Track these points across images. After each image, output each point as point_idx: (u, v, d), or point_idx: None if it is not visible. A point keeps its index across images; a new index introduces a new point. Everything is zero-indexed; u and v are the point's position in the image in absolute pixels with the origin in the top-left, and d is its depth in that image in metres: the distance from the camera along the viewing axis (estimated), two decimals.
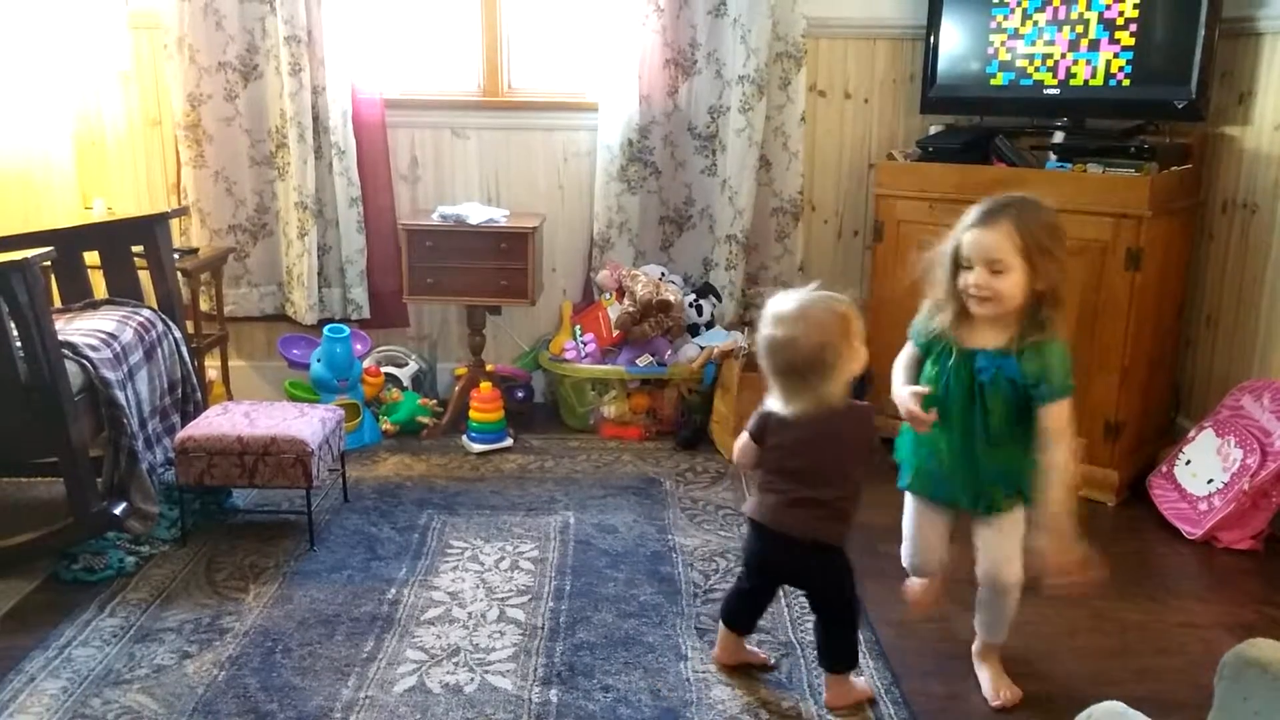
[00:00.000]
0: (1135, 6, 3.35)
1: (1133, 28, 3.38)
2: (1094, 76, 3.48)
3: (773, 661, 2.47)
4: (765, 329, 2.20)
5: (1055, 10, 3.52)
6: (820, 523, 2.25)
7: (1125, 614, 2.74)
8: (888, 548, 3.07)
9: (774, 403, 2.25)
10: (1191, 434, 3.39)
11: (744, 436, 2.33)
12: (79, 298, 3.33)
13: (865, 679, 2.41)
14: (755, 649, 2.49)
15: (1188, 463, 3.32)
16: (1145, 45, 3.38)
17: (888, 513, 3.34)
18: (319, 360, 3.81)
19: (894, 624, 2.66)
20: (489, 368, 4.06)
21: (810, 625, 2.62)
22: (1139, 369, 3.35)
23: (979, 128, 3.79)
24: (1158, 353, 3.50)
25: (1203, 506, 3.16)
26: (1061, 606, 2.76)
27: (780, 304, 2.21)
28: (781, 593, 2.78)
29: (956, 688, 2.40)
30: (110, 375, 2.88)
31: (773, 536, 2.29)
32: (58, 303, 3.33)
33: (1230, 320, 3.51)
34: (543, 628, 2.61)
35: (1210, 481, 3.18)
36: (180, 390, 3.33)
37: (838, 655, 2.34)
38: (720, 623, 2.46)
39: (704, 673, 2.42)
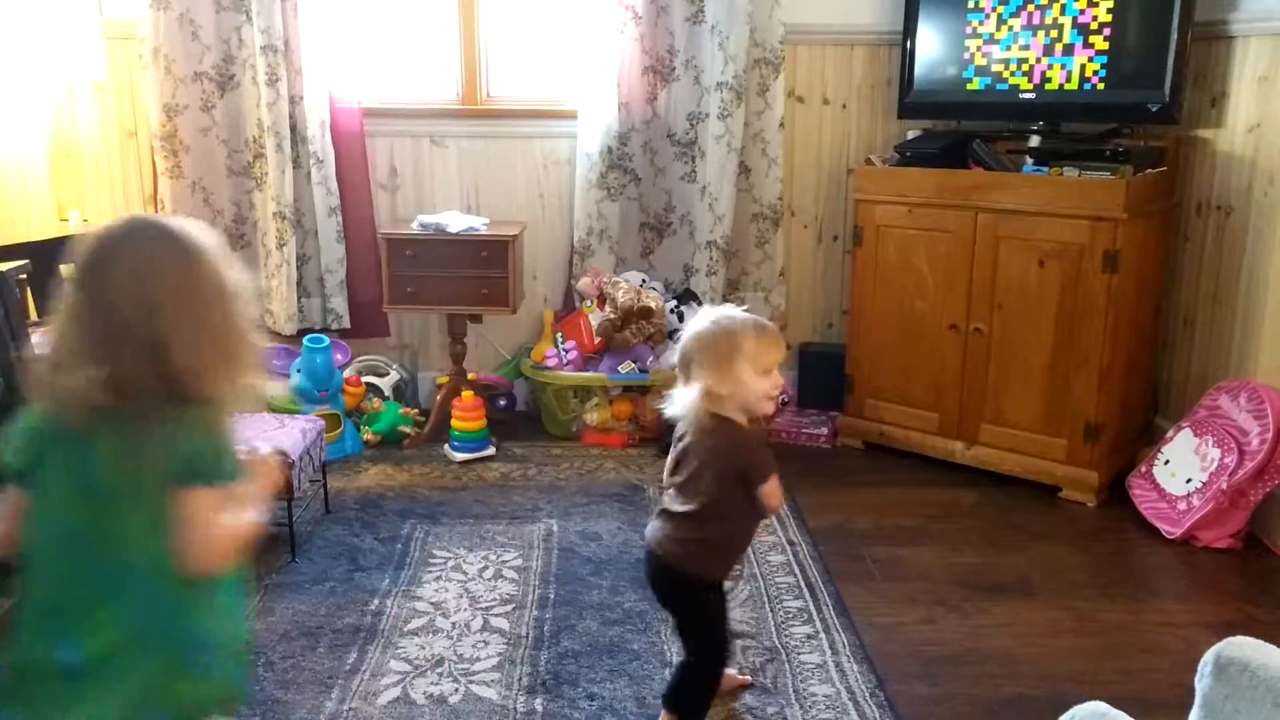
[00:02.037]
0: (1109, 11, 3.38)
1: (1106, 32, 3.40)
2: (1069, 81, 3.50)
3: (750, 680, 2.44)
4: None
5: (1030, 15, 3.54)
6: (683, 545, 2.10)
7: (1106, 614, 2.75)
8: (870, 551, 3.09)
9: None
10: (1170, 434, 3.42)
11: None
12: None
13: None
14: (732, 671, 2.40)
15: (1166, 463, 3.34)
16: (1119, 49, 3.40)
17: (871, 516, 3.36)
18: (299, 371, 3.79)
19: (879, 627, 2.66)
20: (471, 376, 4.06)
21: (795, 630, 2.63)
22: (1117, 370, 3.37)
23: (956, 132, 3.82)
24: (1136, 354, 3.53)
25: (1182, 506, 3.18)
26: (1043, 608, 2.78)
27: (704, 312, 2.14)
28: (767, 597, 2.78)
29: (942, 690, 2.40)
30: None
31: (649, 555, 2.18)
32: (34, 316, 3.30)
33: (1206, 321, 3.54)
34: (527, 636, 2.60)
35: (1189, 481, 3.20)
36: None
37: (680, 700, 2.19)
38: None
39: None
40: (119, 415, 1.41)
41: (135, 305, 1.43)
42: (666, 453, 3.82)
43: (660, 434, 3.92)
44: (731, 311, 2.12)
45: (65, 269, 1.54)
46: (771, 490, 2.07)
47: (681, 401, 2.09)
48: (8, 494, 1.50)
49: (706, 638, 2.16)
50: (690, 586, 2.13)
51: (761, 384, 2.05)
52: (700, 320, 2.11)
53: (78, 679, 1.42)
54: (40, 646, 1.45)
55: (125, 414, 1.41)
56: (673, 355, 3.84)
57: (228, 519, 1.47)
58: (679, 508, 2.11)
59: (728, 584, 2.31)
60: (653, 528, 2.17)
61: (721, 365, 2.03)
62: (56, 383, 1.43)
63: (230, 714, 1.56)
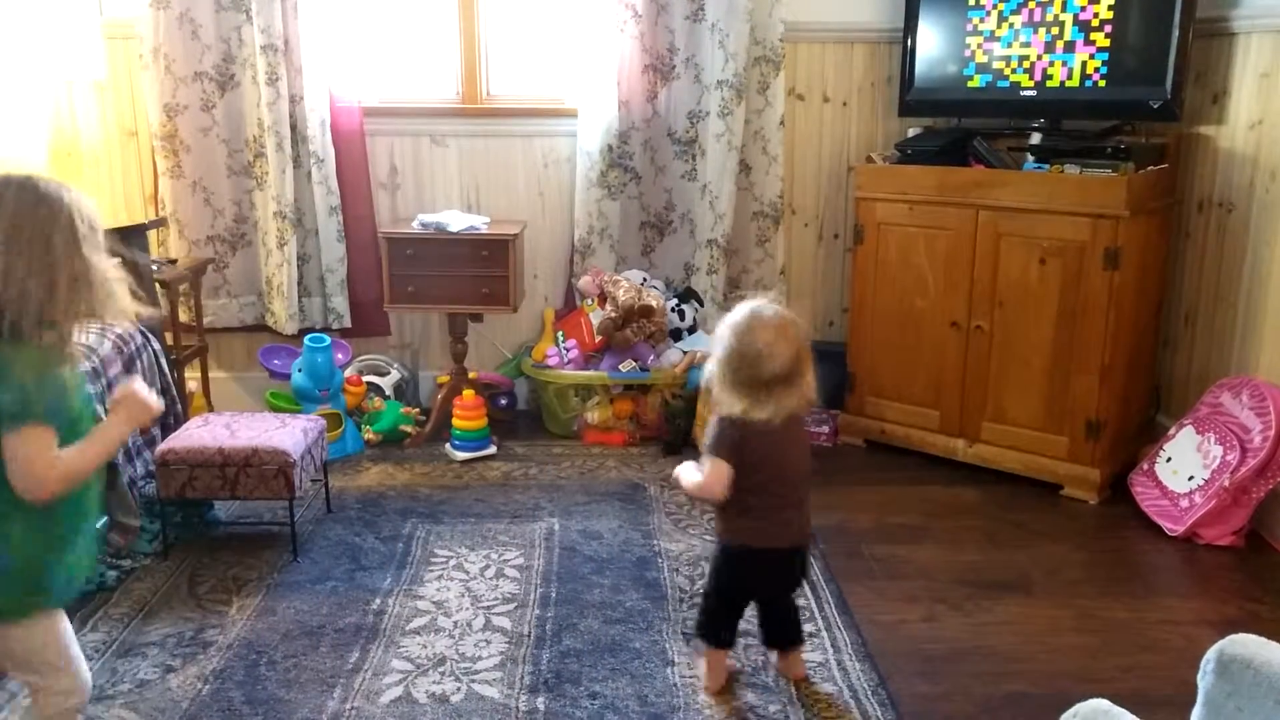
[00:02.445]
0: (1110, 8, 3.38)
1: (1108, 29, 3.40)
2: (1070, 78, 3.50)
3: (739, 665, 2.48)
4: (740, 340, 2.18)
5: (1031, 12, 3.54)
6: (808, 524, 2.34)
7: (1108, 611, 2.75)
8: (872, 549, 3.09)
9: (742, 412, 2.19)
10: (1172, 432, 3.41)
11: (719, 464, 2.21)
12: None
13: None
14: (730, 660, 2.48)
15: (1168, 460, 3.34)
16: (1120, 46, 3.40)
17: (871, 514, 3.36)
18: (300, 370, 3.79)
19: (880, 625, 2.66)
20: (471, 375, 4.06)
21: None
22: (1119, 368, 3.37)
23: (957, 130, 3.81)
24: (1137, 351, 3.53)
25: (1184, 503, 3.18)
26: (1044, 606, 2.77)
27: (752, 315, 2.20)
28: None
29: (943, 688, 2.40)
30: (89, 388, 2.86)
31: (777, 554, 2.30)
32: None
33: (1208, 318, 3.53)
34: (529, 635, 2.60)
35: (1191, 479, 3.20)
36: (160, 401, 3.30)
37: (798, 630, 2.47)
38: (707, 647, 2.41)
39: (691, 678, 2.41)
40: None
41: None
42: (669, 451, 3.85)
43: (661, 433, 3.93)
44: (775, 311, 2.24)
45: None
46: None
47: (784, 407, 2.21)
48: None
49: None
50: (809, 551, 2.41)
51: None
52: (774, 334, 2.19)
53: None
54: None
55: None
56: (674, 354, 3.88)
57: (50, 455, 1.66)
58: (800, 497, 2.32)
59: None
60: (793, 527, 2.31)
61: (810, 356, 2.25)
62: None
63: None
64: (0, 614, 1.79)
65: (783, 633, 2.45)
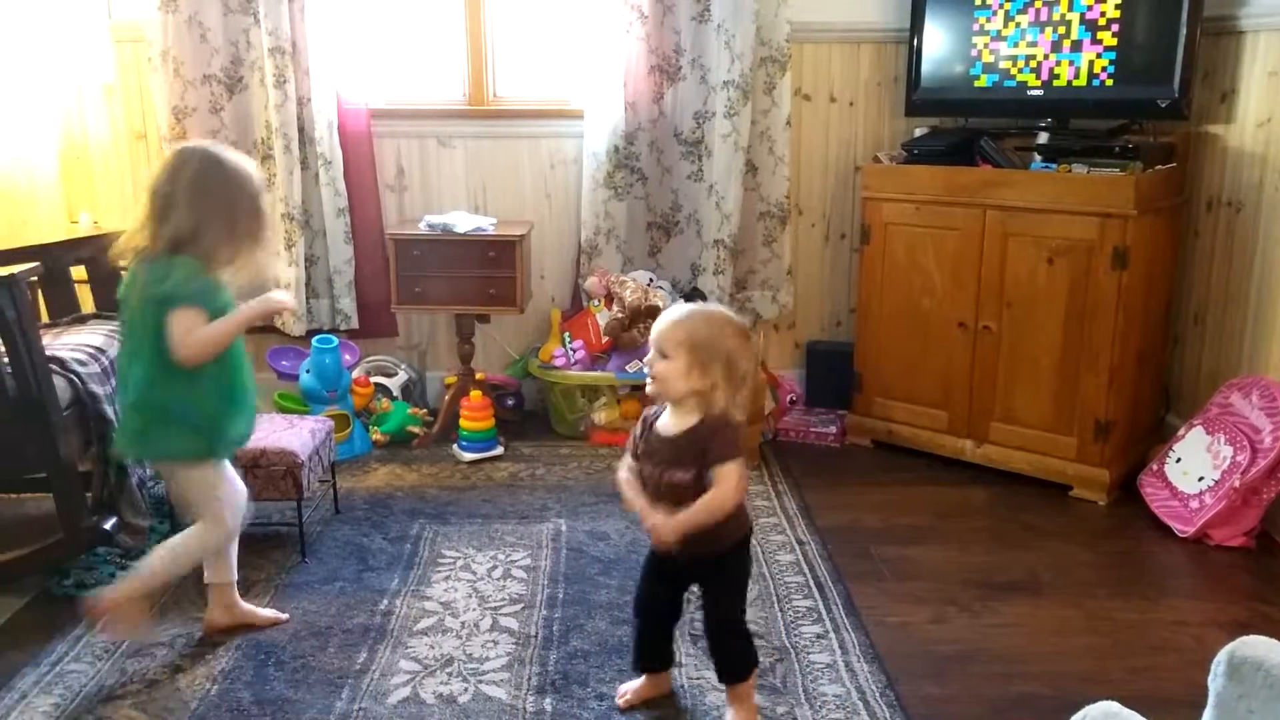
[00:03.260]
0: (1117, 7, 3.37)
1: (1115, 28, 3.39)
2: (1077, 77, 3.49)
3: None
4: (738, 338, 2.15)
5: (1037, 11, 3.53)
6: None
7: (1118, 613, 2.74)
8: (879, 550, 3.09)
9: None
10: (1181, 432, 3.40)
11: (742, 465, 2.13)
12: (66, 312, 3.31)
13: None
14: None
15: (1178, 461, 3.33)
16: (1127, 45, 3.39)
17: (879, 515, 3.36)
18: (308, 371, 3.80)
19: (888, 626, 2.66)
20: (479, 376, 4.06)
21: (804, 629, 2.63)
22: (1127, 368, 3.36)
23: (964, 129, 3.81)
24: (1146, 351, 3.52)
25: (1194, 504, 3.17)
26: (1053, 607, 2.77)
27: (725, 316, 2.18)
28: (776, 597, 2.78)
29: (952, 689, 2.40)
30: (98, 389, 2.87)
31: None
32: (45, 318, 3.31)
33: (1218, 317, 3.52)
34: (536, 636, 2.60)
35: (1201, 479, 3.19)
36: None
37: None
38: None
39: (698, 679, 2.41)
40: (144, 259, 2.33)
41: (163, 194, 2.31)
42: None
43: None
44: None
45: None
46: None
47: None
48: None
49: None
50: None
51: None
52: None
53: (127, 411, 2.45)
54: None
55: (145, 259, 2.33)
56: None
57: (194, 328, 2.28)
58: None
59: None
60: None
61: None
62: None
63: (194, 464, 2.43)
64: (182, 457, 2.41)
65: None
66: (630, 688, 2.35)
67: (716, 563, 2.21)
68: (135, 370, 2.35)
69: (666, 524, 2.09)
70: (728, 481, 2.08)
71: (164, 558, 2.44)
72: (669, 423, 2.17)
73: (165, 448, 2.43)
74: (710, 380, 2.10)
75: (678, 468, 2.12)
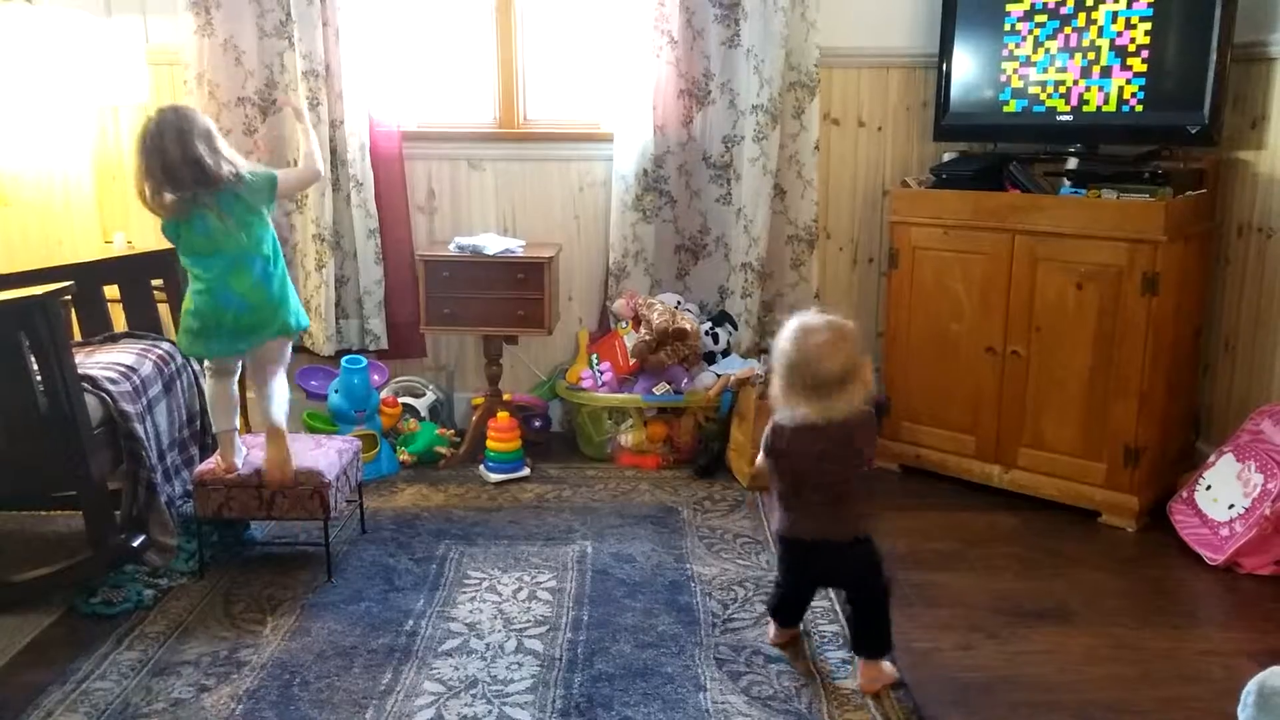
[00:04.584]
0: (1147, 33, 3.36)
1: (1145, 54, 3.38)
2: (1107, 103, 3.48)
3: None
4: (794, 345, 2.39)
5: (1067, 37, 3.53)
6: (843, 524, 2.46)
7: (1147, 641, 2.72)
8: (907, 575, 3.07)
9: (793, 413, 2.41)
10: (1211, 459, 3.37)
11: (763, 460, 2.53)
12: (99, 331, 3.36)
13: (892, 665, 2.53)
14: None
15: (1208, 488, 3.30)
16: (1157, 71, 3.38)
17: (906, 540, 3.34)
18: (336, 391, 3.82)
19: (915, 653, 2.64)
20: (506, 397, 4.07)
21: (830, 655, 2.62)
22: (1157, 394, 3.34)
23: (993, 154, 3.80)
24: (1176, 377, 3.49)
25: (1224, 532, 3.14)
26: (1082, 635, 2.74)
27: (801, 323, 2.42)
28: (802, 621, 2.77)
29: (979, 717, 2.38)
30: (129, 408, 2.90)
31: (801, 544, 2.51)
32: (78, 336, 3.36)
33: (1248, 344, 3.49)
34: (561, 659, 2.60)
35: (1231, 507, 3.16)
36: (199, 423, 3.35)
37: (873, 640, 2.51)
38: (770, 619, 2.71)
39: (723, 703, 2.40)
40: (200, 196, 2.80)
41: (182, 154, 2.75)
42: (703, 474, 3.86)
43: (694, 456, 3.92)
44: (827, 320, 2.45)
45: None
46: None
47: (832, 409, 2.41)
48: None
49: (885, 578, 2.56)
50: (870, 547, 2.54)
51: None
52: (825, 340, 2.40)
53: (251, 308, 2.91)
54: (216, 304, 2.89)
55: (206, 195, 2.80)
56: (708, 377, 3.89)
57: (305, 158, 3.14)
58: (840, 493, 2.49)
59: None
60: (825, 521, 2.49)
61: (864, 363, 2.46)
62: (163, 202, 2.81)
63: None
64: (291, 330, 3.00)
65: (855, 638, 2.57)
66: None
67: (854, 549, 2.52)
68: (246, 276, 2.86)
69: None
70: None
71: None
72: None
73: (287, 324, 2.96)
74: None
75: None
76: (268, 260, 2.91)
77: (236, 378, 3.08)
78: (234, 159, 2.83)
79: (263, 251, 2.89)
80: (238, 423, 3.06)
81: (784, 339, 2.41)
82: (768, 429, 2.49)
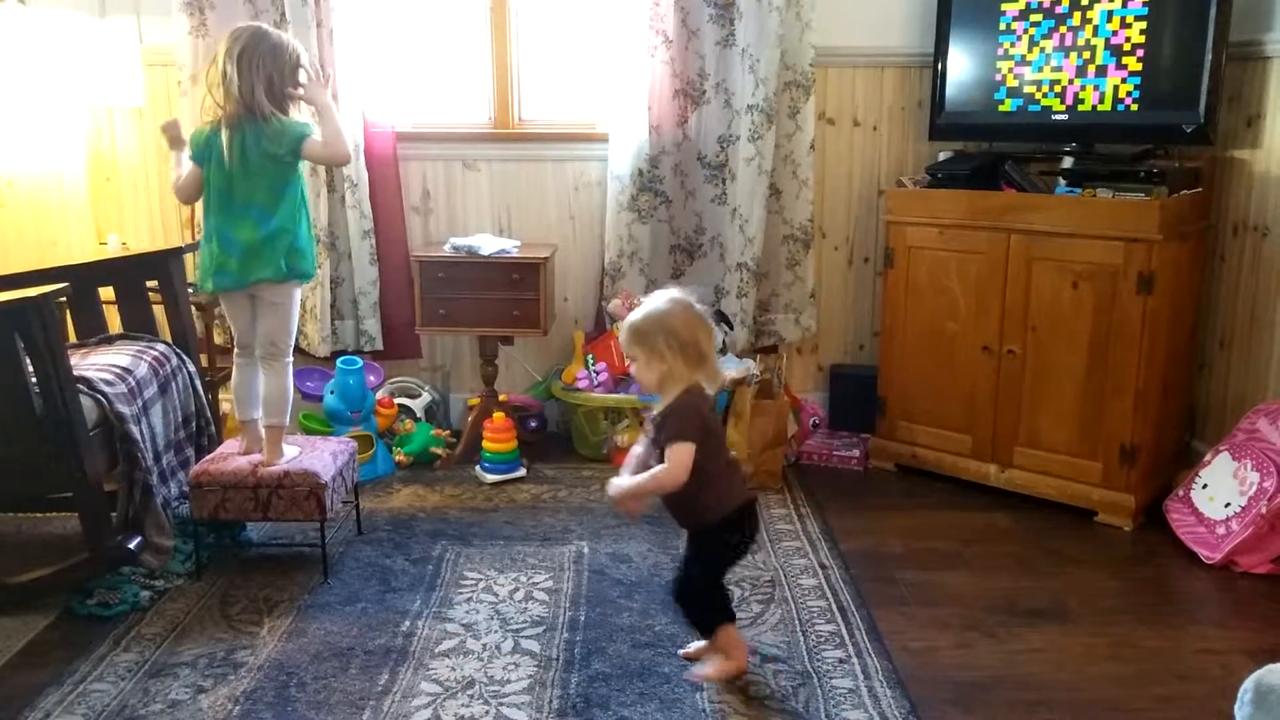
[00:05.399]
0: (1142, 32, 3.37)
1: (1140, 53, 3.39)
2: (1102, 102, 3.49)
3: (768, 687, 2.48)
4: (685, 316, 2.41)
5: (1062, 36, 3.53)
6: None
7: (1144, 640, 2.72)
8: (903, 575, 3.07)
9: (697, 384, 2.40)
10: (1207, 458, 3.37)
11: (687, 448, 2.32)
12: (94, 332, 3.35)
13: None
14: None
15: (1204, 487, 3.30)
16: (1153, 70, 3.39)
17: (904, 539, 3.34)
18: (332, 392, 3.82)
19: (912, 652, 2.64)
20: (502, 398, 4.07)
21: (827, 654, 2.62)
22: (1153, 393, 3.34)
23: (988, 154, 3.80)
24: (1171, 376, 3.49)
25: (1220, 531, 3.14)
26: (1079, 634, 2.74)
27: (679, 298, 2.46)
28: (798, 621, 2.77)
29: (976, 716, 2.38)
30: (125, 410, 2.89)
31: (750, 505, 2.48)
32: (73, 338, 3.35)
33: (1244, 342, 3.50)
34: (557, 659, 2.60)
35: (1227, 505, 3.16)
36: (194, 424, 3.34)
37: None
38: (730, 625, 2.51)
39: (720, 704, 2.40)
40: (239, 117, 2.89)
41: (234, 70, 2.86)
42: None
43: None
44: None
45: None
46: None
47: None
48: (192, 168, 3.01)
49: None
50: None
51: None
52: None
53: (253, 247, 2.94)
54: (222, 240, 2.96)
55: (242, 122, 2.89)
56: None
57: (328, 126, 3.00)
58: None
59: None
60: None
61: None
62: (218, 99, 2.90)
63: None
64: (306, 276, 3.05)
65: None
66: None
67: (693, 537, 2.49)
68: (251, 215, 2.92)
69: (613, 483, 2.42)
70: (670, 461, 2.32)
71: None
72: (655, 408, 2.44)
73: (299, 268, 3.00)
74: (665, 362, 2.35)
75: (655, 447, 2.38)
76: (264, 209, 2.93)
77: (259, 372, 3.10)
78: (274, 102, 2.92)
79: (258, 200, 2.93)
80: (260, 413, 3.10)
81: (668, 310, 2.40)
82: (679, 411, 2.34)
